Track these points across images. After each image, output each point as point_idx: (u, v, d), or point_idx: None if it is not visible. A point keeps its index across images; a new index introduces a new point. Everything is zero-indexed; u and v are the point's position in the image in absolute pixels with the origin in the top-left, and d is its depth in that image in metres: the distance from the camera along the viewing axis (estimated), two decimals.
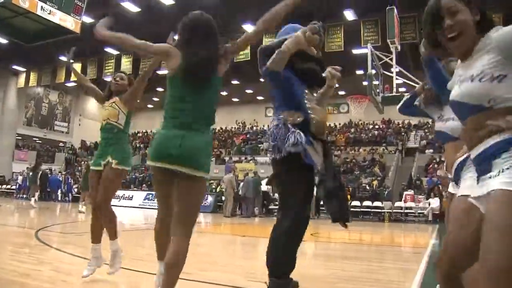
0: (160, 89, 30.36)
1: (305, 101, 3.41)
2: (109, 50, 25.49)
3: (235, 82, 30.69)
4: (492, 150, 1.81)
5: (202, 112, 2.83)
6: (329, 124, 32.85)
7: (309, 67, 3.45)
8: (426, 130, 28.89)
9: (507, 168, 1.74)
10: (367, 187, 21.09)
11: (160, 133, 2.81)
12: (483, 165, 1.86)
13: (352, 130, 32.11)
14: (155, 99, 37.20)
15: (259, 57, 3.56)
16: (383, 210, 19.06)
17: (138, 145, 35.06)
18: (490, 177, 1.81)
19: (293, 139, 3.22)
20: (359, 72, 24.48)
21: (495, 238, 1.69)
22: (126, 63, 24.64)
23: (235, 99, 37.77)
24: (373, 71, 12.92)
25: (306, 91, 3.46)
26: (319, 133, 3.39)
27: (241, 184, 19.16)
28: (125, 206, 21.69)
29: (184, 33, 2.87)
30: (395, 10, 13.93)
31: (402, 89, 16.96)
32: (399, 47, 14.04)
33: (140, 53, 2.75)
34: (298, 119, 3.30)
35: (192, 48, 2.81)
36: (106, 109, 4.32)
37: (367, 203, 19.52)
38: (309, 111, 3.37)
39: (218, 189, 21.97)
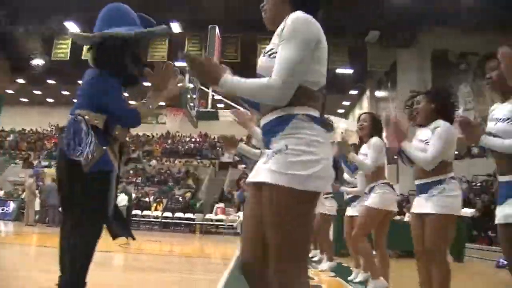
0: None
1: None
2: None
3: (50, 81, 28.65)
4: (271, 126, 1.92)
5: None
6: (146, 134, 32.51)
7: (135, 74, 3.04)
8: None
9: (274, 154, 1.83)
10: (180, 199, 21.30)
11: None
12: (266, 139, 1.96)
13: (169, 141, 32.21)
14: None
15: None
16: (194, 222, 19.42)
17: None
18: (264, 161, 1.91)
19: (86, 139, 2.71)
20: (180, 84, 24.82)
21: (270, 235, 1.83)
22: None
23: (49, 100, 35.08)
24: (191, 86, 13.16)
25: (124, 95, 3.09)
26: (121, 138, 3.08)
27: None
28: None
29: None
30: (217, 29, 14.43)
31: (220, 105, 17.57)
32: None
33: None
34: (96, 121, 2.90)
35: None
36: None
37: (179, 214, 19.70)
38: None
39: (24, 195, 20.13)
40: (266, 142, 1.93)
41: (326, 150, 1.86)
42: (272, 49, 1.96)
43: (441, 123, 3.42)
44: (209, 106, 14.02)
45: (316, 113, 1.89)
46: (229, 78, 1.89)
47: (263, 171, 1.87)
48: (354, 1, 17.03)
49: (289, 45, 1.85)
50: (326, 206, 7.10)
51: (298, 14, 1.89)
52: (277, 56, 1.86)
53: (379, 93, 25.71)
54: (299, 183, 1.76)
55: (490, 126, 2.74)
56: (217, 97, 14.52)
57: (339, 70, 21.47)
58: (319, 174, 1.79)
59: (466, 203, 12.21)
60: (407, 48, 20.63)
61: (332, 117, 9.96)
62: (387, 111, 22.00)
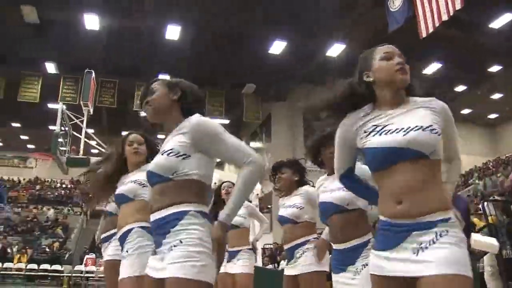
0: None
1: None
2: None
3: None
4: (163, 222, 1.99)
5: None
6: (12, 179, 30.33)
7: None
8: None
9: (170, 250, 1.93)
10: (47, 249, 19.90)
11: None
12: (158, 236, 2.03)
13: (38, 187, 30.21)
14: None
15: None
16: (62, 274, 18.19)
17: None
18: (159, 258, 1.99)
19: None
20: (53, 127, 23.76)
21: None
22: None
23: None
24: (62, 130, 12.71)
25: None
26: None
27: None
28: None
29: None
30: (93, 74, 14.19)
31: (94, 151, 17.02)
32: (91, 110, 14.25)
33: None
34: None
35: None
36: None
37: (45, 266, 18.34)
38: None
39: None
40: (158, 240, 2.01)
41: (212, 246, 1.96)
42: (172, 149, 2.06)
43: (306, 188, 3.73)
44: (81, 152, 13.50)
45: (206, 209, 2.04)
46: (226, 213, 1.98)
47: (158, 269, 1.96)
48: (232, 54, 17.75)
49: (225, 136, 2.09)
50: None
51: (202, 117, 2.15)
52: (228, 148, 2.07)
53: (254, 144, 26.55)
54: (196, 274, 1.85)
55: (325, 196, 2.93)
56: (91, 143, 14.10)
57: (215, 120, 21.87)
58: (211, 266, 1.91)
59: None
60: (280, 102, 21.75)
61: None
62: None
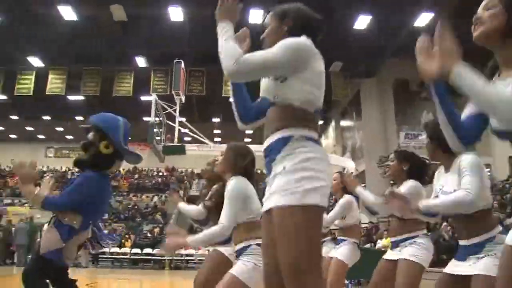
0: None
1: None
2: None
3: (13, 117, 28.36)
4: (270, 149, 1.94)
5: None
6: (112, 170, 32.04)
7: None
8: None
9: (274, 179, 1.88)
10: (149, 234, 20.93)
11: None
12: (267, 165, 1.96)
13: (136, 176, 31.77)
14: None
15: None
16: (163, 258, 19.06)
17: None
18: (267, 189, 1.96)
19: None
20: (147, 118, 24.83)
21: (282, 256, 1.85)
22: None
23: (12, 136, 34.30)
24: (157, 120, 13.22)
25: None
26: None
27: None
28: None
29: None
30: (182, 64, 14.57)
31: (187, 139, 17.57)
32: (183, 99, 14.67)
33: None
34: None
35: None
36: None
37: (147, 250, 19.32)
38: None
39: None
40: (268, 168, 1.94)
41: (322, 166, 1.87)
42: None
43: (409, 183, 3.56)
44: (176, 140, 13.98)
45: (312, 134, 1.91)
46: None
47: (267, 199, 1.91)
48: None
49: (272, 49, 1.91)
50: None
51: (289, 38, 1.95)
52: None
53: (344, 123, 26.06)
54: (297, 200, 1.78)
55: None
56: (183, 131, 14.55)
57: None
58: (316, 188, 1.81)
59: None
60: (369, 78, 21.15)
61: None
62: (353, 140, 22.40)
